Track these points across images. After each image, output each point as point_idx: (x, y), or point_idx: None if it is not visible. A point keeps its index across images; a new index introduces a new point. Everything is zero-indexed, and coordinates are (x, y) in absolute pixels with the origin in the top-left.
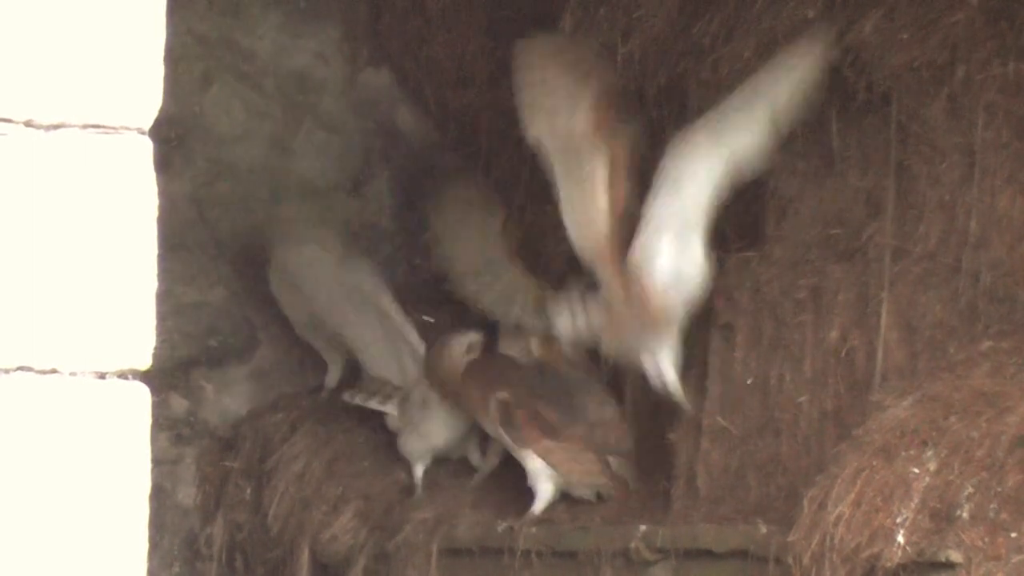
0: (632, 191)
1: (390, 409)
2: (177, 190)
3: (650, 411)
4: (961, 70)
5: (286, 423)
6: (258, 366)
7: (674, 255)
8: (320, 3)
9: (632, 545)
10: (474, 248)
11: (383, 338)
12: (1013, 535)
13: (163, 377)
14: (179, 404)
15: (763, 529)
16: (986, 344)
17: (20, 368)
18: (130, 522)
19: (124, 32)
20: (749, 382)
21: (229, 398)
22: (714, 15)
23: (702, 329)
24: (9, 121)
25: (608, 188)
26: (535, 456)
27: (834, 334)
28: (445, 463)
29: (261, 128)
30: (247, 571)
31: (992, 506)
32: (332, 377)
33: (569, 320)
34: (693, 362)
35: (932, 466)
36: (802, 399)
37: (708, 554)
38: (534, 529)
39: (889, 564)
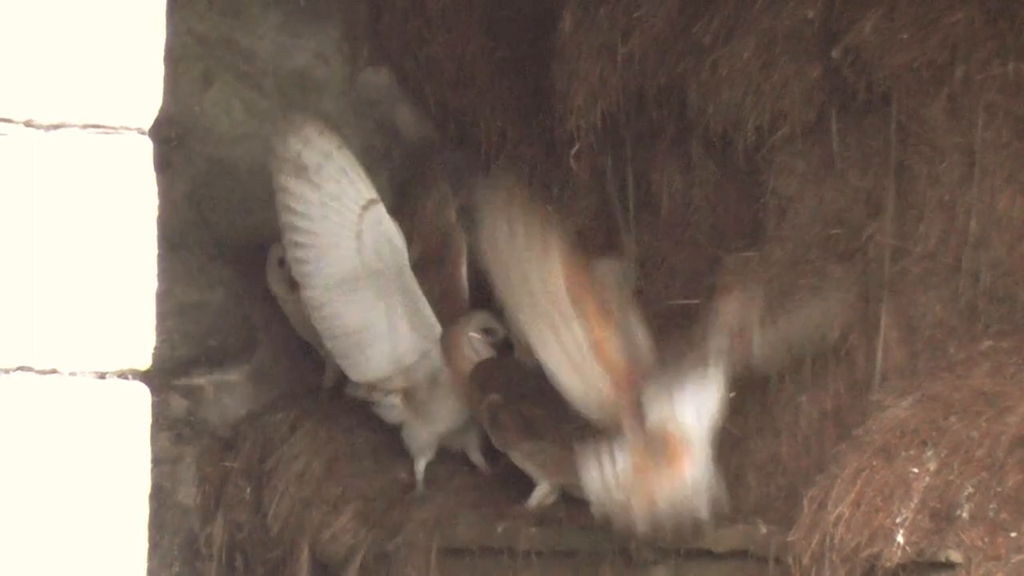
0: (626, 330)
1: (394, 400)
2: (177, 190)
3: None
4: (961, 70)
5: (286, 423)
6: (258, 366)
7: (694, 403)
8: (320, 3)
9: (632, 545)
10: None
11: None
12: (1013, 535)
13: (163, 377)
14: (179, 404)
15: (763, 529)
16: (986, 344)
17: (20, 368)
18: (130, 522)
19: (124, 32)
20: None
21: (229, 398)
22: (714, 15)
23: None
24: (9, 121)
25: (597, 347)
26: (520, 457)
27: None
28: (445, 462)
29: (261, 128)
30: (247, 571)
31: (992, 506)
32: (329, 376)
33: (598, 475)
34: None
35: (932, 466)
36: (802, 399)
37: (708, 554)
38: (534, 529)
39: (889, 564)
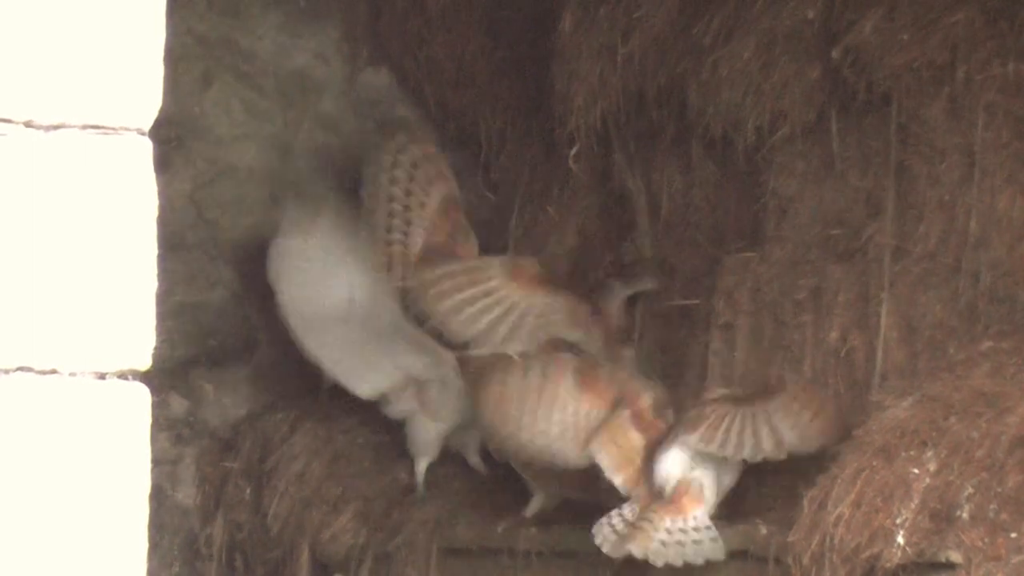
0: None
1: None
2: (177, 190)
3: None
4: (961, 70)
5: (286, 423)
6: (258, 366)
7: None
8: (320, 3)
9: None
10: None
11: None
12: (1013, 535)
13: (163, 377)
14: (179, 404)
15: (763, 529)
16: (986, 344)
17: (20, 368)
18: (130, 522)
19: (124, 32)
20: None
21: (229, 398)
22: (714, 15)
23: (702, 329)
24: (9, 121)
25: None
26: (518, 466)
27: (834, 334)
28: (445, 464)
29: (261, 128)
30: (247, 571)
31: (992, 506)
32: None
33: (611, 534)
34: (693, 362)
35: (932, 466)
36: None
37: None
38: (534, 529)
39: (889, 564)
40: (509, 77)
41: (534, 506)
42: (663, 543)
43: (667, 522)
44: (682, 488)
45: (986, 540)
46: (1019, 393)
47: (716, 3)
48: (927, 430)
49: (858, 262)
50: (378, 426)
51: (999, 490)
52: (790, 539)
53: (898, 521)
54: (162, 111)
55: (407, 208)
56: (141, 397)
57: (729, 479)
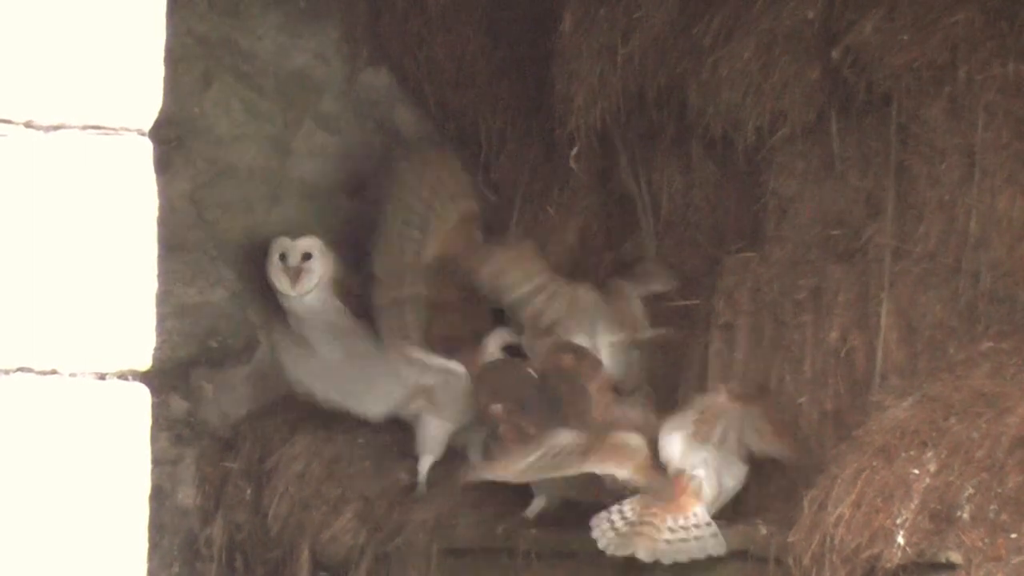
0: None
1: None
2: (177, 190)
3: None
4: (961, 70)
5: (286, 424)
6: (258, 367)
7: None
8: (320, 3)
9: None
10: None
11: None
12: (1013, 536)
13: (163, 378)
14: (179, 405)
15: (763, 529)
16: (986, 344)
17: (20, 369)
18: (130, 522)
19: (124, 32)
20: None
21: (229, 399)
22: (714, 15)
23: (702, 329)
24: (9, 122)
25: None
26: None
27: (834, 334)
28: (445, 464)
29: (261, 128)
30: (247, 571)
31: (992, 507)
32: None
33: (609, 530)
34: (693, 362)
35: (932, 467)
36: (802, 399)
37: (708, 555)
38: (534, 529)
39: (889, 565)
40: (509, 77)
41: (536, 507)
42: (668, 542)
43: (669, 521)
44: (682, 485)
45: (986, 540)
46: (1019, 393)
47: (716, 3)
48: (927, 430)
49: (858, 262)
50: (378, 426)
51: (999, 490)
52: (790, 539)
53: (898, 521)
54: (162, 111)
55: (425, 221)
56: (141, 397)
57: (733, 482)
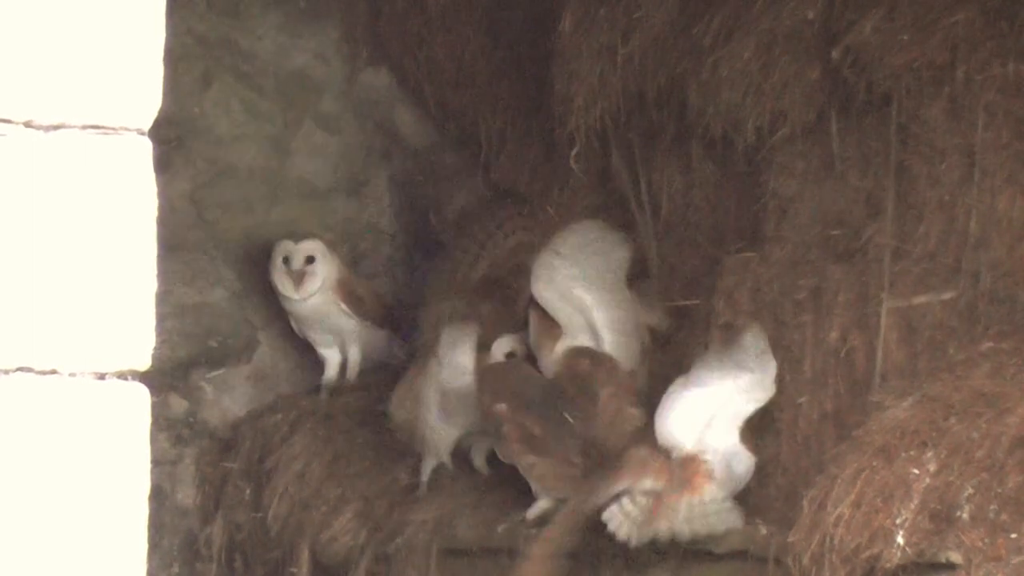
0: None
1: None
2: (177, 190)
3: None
4: (961, 70)
5: (285, 423)
6: (258, 367)
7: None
8: (320, 3)
9: (632, 545)
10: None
11: None
12: (1013, 536)
13: (163, 378)
14: (179, 404)
15: (763, 529)
16: (986, 345)
17: (20, 368)
18: (130, 522)
19: (124, 32)
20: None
21: (229, 399)
22: (714, 15)
23: (702, 329)
24: (9, 122)
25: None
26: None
27: (834, 334)
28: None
29: (261, 128)
30: (247, 571)
31: (992, 507)
32: (329, 376)
33: (625, 521)
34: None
35: (932, 467)
36: (802, 399)
37: (708, 555)
38: (534, 530)
39: (889, 565)
40: (509, 77)
41: (537, 510)
42: (686, 520)
43: (684, 502)
44: (694, 468)
45: (986, 541)
46: (1019, 393)
47: (716, 3)
48: (927, 430)
49: (858, 262)
50: (378, 426)
51: (999, 491)
52: (790, 539)
53: (898, 521)
54: (162, 111)
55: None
56: (141, 397)
57: (742, 468)
